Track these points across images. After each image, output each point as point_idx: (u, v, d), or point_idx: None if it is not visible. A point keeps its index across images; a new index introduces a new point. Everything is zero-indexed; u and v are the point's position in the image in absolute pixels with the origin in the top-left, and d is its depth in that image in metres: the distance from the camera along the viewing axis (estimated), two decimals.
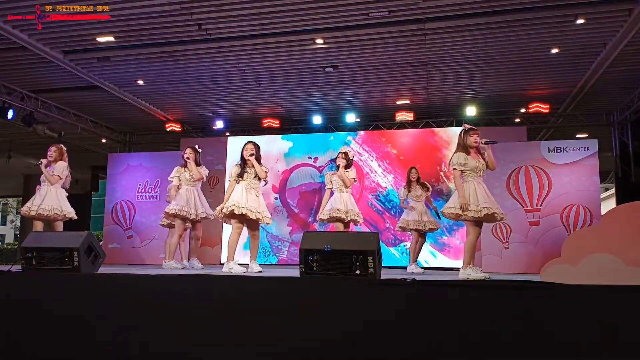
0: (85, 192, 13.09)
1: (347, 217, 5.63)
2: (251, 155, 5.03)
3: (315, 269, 3.08)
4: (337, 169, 5.82)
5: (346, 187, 5.78)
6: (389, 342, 1.98)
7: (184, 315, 2.28)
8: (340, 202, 5.72)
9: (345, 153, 5.89)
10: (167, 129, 9.76)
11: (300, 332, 2.10)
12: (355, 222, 5.78)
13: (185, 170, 5.93)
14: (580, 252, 3.06)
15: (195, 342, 2.21)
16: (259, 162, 5.05)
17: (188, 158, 5.91)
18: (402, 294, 2.08)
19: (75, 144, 10.16)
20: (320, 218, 5.84)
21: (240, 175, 4.99)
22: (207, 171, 6.12)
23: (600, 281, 2.60)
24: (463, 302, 1.98)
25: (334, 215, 5.65)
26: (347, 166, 5.82)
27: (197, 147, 6.10)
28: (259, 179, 5.02)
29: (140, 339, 2.29)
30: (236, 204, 4.79)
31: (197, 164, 5.94)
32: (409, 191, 6.41)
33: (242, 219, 4.86)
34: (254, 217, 4.83)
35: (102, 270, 3.71)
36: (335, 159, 5.94)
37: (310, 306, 2.17)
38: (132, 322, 2.34)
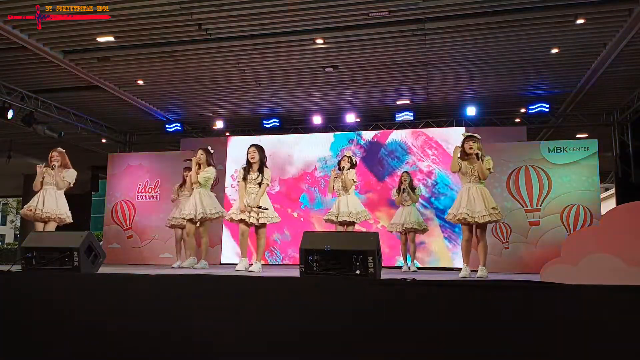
0: (85, 192, 13.10)
1: (337, 219, 5.86)
2: (253, 158, 5.14)
3: (315, 269, 3.08)
4: (341, 171, 5.99)
5: (347, 189, 5.92)
6: (390, 342, 1.98)
7: (183, 316, 2.29)
8: (335, 205, 6.01)
9: (350, 157, 6.06)
10: (167, 129, 9.77)
11: (299, 332, 2.10)
12: (347, 223, 5.87)
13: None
14: (580, 252, 3.06)
15: (196, 342, 2.21)
16: (264, 165, 5.17)
17: (199, 160, 5.80)
18: (401, 293, 2.08)
19: (75, 144, 10.17)
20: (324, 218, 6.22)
21: (244, 179, 5.16)
22: (213, 173, 5.84)
23: (600, 281, 2.60)
24: (463, 302, 1.98)
25: (326, 217, 6.04)
26: (351, 168, 5.99)
27: (209, 147, 5.96)
28: (259, 184, 5.08)
29: (140, 339, 2.29)
30: (232, 213, 5.12)
31: (209, 164, 5.81)
32: (398, 194, 6.58)
33: (243, 222, 5.07)
34: (250, 222, 5.02)
35: (102, 270, 3.71)
36: (340, 161, 6.09)
37: (310, 306, 2.17)
38: (132, 322, 2.34)
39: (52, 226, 5.63)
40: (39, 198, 5.61)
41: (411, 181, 6.62)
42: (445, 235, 8.07)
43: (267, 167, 5.21)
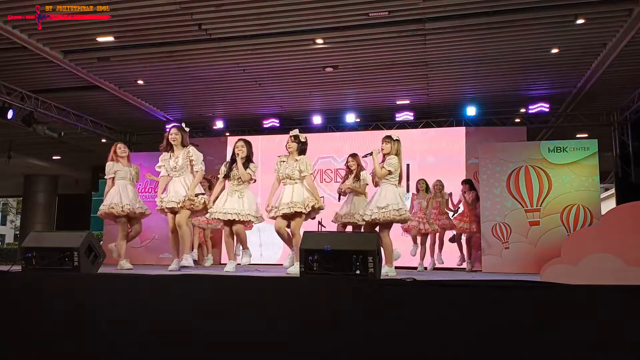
0: (85, 192, 13.11)
1: (276, 213, 4.74)
2: (238, 155, 4.81)
3: (315, 269, 3.08)
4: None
5: (295, 177, 4.77)
6: (390, 342, 1.98)
7: (183, 316, 2.28)
8: (280, 196, 4.86)
9: (296, 136, 4.86)
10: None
11: (299, 332, 2.09)
12: (289, 216, 4.70)
13: (171, 157, 4.86)
14: (580, 252, 3.06)
15: (196, 341, 2.21)
16: (251, 160, 4.85)
17: (174, 140, 4.83)
18: (402, 294, 2.08)
19: (75, 144, 10.17)
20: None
21: (226, 176, 4.86)
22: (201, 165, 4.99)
23: (600, 281, 2.60)
24: (463, 302, 1.98)
25: (270, 214, 4.86)
26: (301, 152, 4.83)
27: (183, 125, 5.01)
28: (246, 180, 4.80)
29: (140, 339, 2.29)
30: (213, 210, 4.73)
31: (184, 144, 4.87)
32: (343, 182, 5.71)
33: (225, 221, 4.76)
34: (230, 219, 4.67)
35: (102, 270, 3.71)
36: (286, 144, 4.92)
37: (310, 306, 2.17)
38: (132, 322, 2.34)
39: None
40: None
41: (358, 165, 5.57)
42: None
43: (253, 162, 4.86)
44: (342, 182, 5.73)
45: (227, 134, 9.80)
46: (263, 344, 2.11)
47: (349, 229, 5.57)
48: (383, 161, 4.86)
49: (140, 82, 7.76)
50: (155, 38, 6.35)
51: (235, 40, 6.39)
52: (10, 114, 7.64)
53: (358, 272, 2.99)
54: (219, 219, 4.78)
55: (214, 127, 9.64)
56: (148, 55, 6.80)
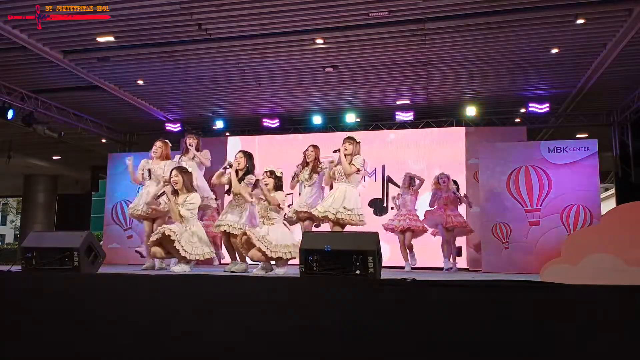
0: (85, 192, 13.11)
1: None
2: (232, 166, 4.80)
3: (315, 269, 3.08)
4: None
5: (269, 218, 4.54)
6: (389, 342, 1.98)
7: (184, 315, 2.29)
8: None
9: (272, 172, 4.61)
10: (167, 129, 9.77)
11: (300, 332, 2.09)
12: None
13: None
14: (580, 252, 3.06)
15: (196, 342, 2.21)
16: (251, 172, 4.85)
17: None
18: (402, 293, 2.08)
19: (75, 144, 10.18)
20: None
21: (228, 191, 4.97)
22: (198, 199, 4.83)
23: (600, 281, 2.60)
24: (463, 302, 1.98)
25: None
26: (275, 188, 4.57)
27: (187, 166, 5.14)
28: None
29: (140, 339, 2.29)
30: (217, 223, 4.91)
31: (187, 187, 4.76)
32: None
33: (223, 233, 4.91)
34: (231, 231, 4.77)
35: (102, 270, 3.71)
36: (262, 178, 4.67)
37: (310, 306, 2.17)
38: (132, 323, 2.34)
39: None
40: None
41: (316, 157, 5.32)
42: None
43: (253, 174, 4.82)
44: (298, 174, 5.38)
45: (227, 134, 9.80)
46: (263, 344, 2.11)
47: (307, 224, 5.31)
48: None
49: (140, 82, 7.76)
50: (155, 38, 6.35)
51: (235, 40, 6.39)
52: (10, 114, 7.64)
53: (358, 272, 2.98)
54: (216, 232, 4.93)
55: (214, 127, 9.65)
56: (148, 55, 6.80)
